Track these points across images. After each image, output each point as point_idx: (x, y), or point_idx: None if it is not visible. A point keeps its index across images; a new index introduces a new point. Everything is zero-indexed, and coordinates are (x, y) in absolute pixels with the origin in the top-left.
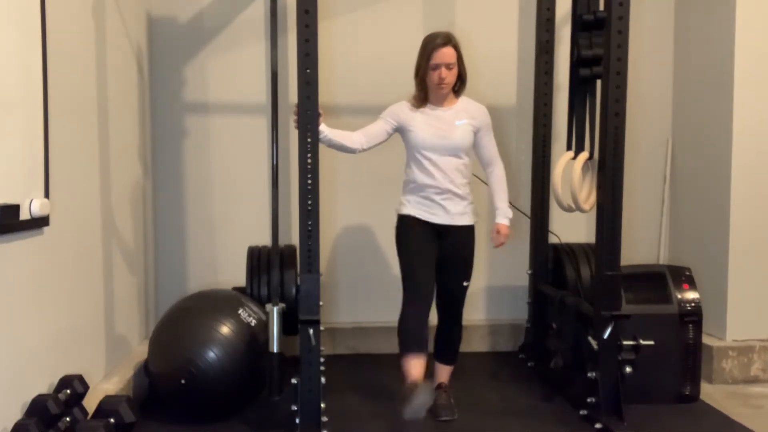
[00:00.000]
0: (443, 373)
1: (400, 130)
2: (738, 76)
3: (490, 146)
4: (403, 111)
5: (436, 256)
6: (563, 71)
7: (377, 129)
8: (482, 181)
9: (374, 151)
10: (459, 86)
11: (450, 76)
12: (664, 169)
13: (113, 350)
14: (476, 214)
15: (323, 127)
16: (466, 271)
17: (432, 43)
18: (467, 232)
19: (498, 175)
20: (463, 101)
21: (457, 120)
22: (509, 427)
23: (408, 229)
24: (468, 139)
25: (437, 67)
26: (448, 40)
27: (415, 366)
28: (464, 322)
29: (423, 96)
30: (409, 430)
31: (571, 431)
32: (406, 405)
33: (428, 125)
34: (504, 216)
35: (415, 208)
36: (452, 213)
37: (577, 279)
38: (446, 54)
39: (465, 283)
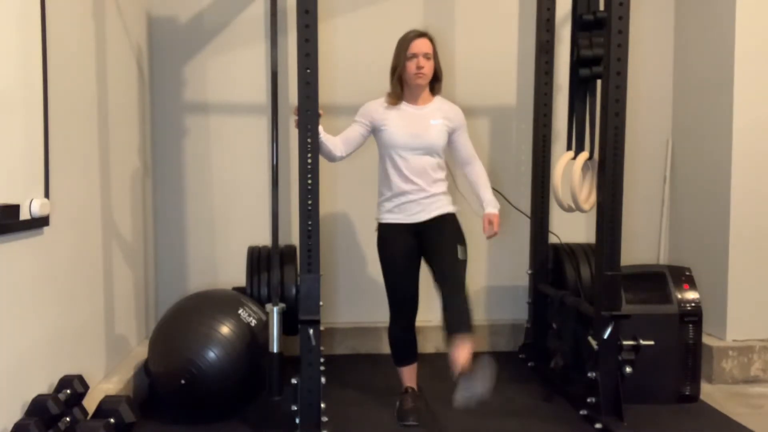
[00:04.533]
0: (463, 350)
1: (374, 130)
2: (738, 76)
3: (467, 146)
4: (376, 110)
5: (419, 258)
6: (563, 71)
7: (354, 134)
8: None
9: (374, 149)
10: (435, 84)
11: (428, 66)
12: (664, 169)
13: (113, 350)
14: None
15: (320, 128)
16: (457, 246)
17: (408, 37)
18: (448, 217)
19: (478, 170)
20: (439, 101)
21: (432, 119)
22: (509, 427)
23: (388, 239)
24: (442, 139)
25: (415, 56)
26: (424, 32)
27: (408, 374)
28: None
29: (399, 93)
30: (408, 430)
31: (571, 431)
32: (402, 410)
33: (402, 123)
34: (492, 206)
35: (393, 214)
36: (430, 209)
37: (577, 279)
38: (423, 44)
39: (460, 257)
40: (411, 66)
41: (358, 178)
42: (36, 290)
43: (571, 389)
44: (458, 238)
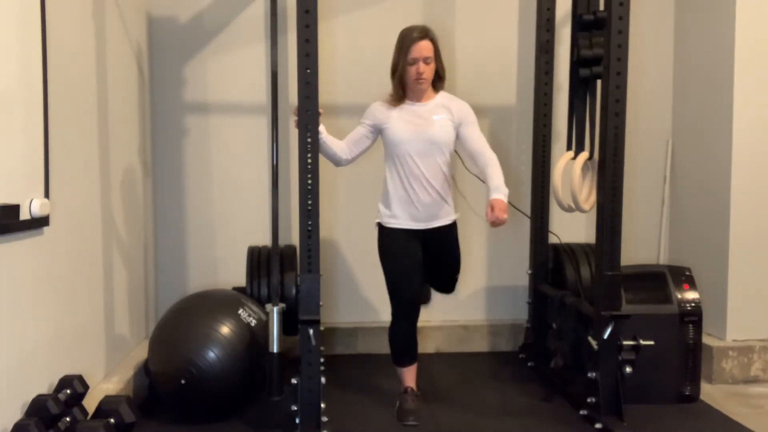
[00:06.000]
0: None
1: (378, 130)
2: (738, 75)
3: (477, 138)
4: (379, 110)
5: (421, 260)
6: (563, 71)
7: (358, 136)
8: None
9: (375, 150)
10: (437, 82)
11: (428, 71)
12: (664, 169)
13: (113, 350)
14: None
15: (321, 128)
16: (457, 267)
17: (408, 38)
18: (451, 229)
19: (491, 157)
20: (442, 96)
21: (435, 115)
22: (509, 427)
23: (391, 240)
24: (447, 134)
25: (415, 61)
26: (425, 33)
27: (409, 374)
28: (465, 322)
29: (401, 93)
30: (408, 430)
31: (571, 431)
32: (402, 410)
33: (404, 121)
34: (498, 191)
35: (396, 219)
36: (437, 216)
37: (577, 279)
38: (424, 48)
39: (457, 276)
40: (411, 71)
41: (359, 178)
42: (36, 290)
43: (571, 389)
44: (458, 258)
